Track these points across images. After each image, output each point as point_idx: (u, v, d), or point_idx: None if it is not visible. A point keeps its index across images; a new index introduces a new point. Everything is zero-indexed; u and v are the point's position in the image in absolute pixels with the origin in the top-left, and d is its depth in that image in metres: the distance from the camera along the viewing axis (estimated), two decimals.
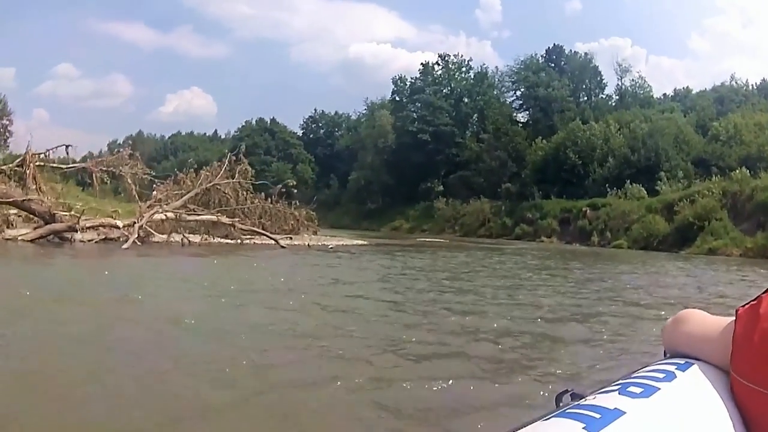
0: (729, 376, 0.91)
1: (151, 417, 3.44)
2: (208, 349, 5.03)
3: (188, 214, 19.07)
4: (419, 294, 9.72)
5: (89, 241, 15.99)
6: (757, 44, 79.39)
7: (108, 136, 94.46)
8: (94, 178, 19.68)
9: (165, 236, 17.76)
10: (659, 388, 0.85)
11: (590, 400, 0.82)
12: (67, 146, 19.79)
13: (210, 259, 14.92)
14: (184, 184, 21.06)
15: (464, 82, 64.27)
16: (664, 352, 1.11)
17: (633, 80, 59.58)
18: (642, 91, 58.98)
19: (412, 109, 63.24)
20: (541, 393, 4.04)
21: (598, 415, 0.75)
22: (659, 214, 34.36)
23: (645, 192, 38.78)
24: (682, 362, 0.97)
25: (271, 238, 19.75)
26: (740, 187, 31.70)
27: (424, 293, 9.76)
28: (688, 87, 61.20)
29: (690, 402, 0.86)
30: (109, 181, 20.69)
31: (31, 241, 15.25)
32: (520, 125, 58.17)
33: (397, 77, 66.24)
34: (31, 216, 16.56)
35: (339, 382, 4.22)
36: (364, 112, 74.34)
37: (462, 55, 66.38)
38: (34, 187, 17.20)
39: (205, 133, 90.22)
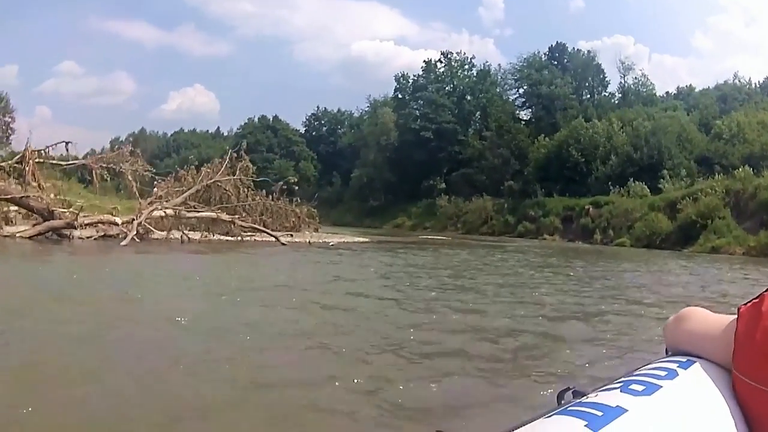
0: (731, 374, 0.90)
1: (151, 416, 3.44)
2: (207, 348, 5.03)
3: (188, 211, 19.05)
4: (420, 292, 9.69)
5: (88, 238, 15.98)
6: (760, 43, 79.22)
7: (111, 134, 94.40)
8: (94, 175, 19.68)
9: (164, 233, 17.74)
10: (661, 386, 0.84)
11: (592, 398, 0.82)
12: (66, 143, 19.88)
13: (209, 257, 14.93)
14: (185, 181, 21.08)
15: (467, 79, 64.20)
16: (666, 350, 1.11)
17: (636, 78, 59.65)
18: (645, 89, 58.92)
19: (415, 107, 63.20)
20: (542, 393, 4.03)
21: (600, 413, 0.75)
22: (662, 213, 34.30)
23: (648, 190, 38.72)
24: (684, 360, 0.97)
25: (271, 236, 19.74)
26: (743, 186, 31.63)
27: (426, 291, 9.74)
28: (691, 85, 61.23)
29: (692, 400, 0.85)
30: (109, 179, 20.65)
31: (30, 238, 15.23)
32: (523, 123, 58.16)
33: (400, 75, 66.34)
34: (32, 213, 16.54)
35: (339, 382, 4.21)
36: (366, 109, 74.56)
37: (464, 53, 66.39)
38: (33, 184, 17.18)
39: (207, 131, 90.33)
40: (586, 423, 0.73)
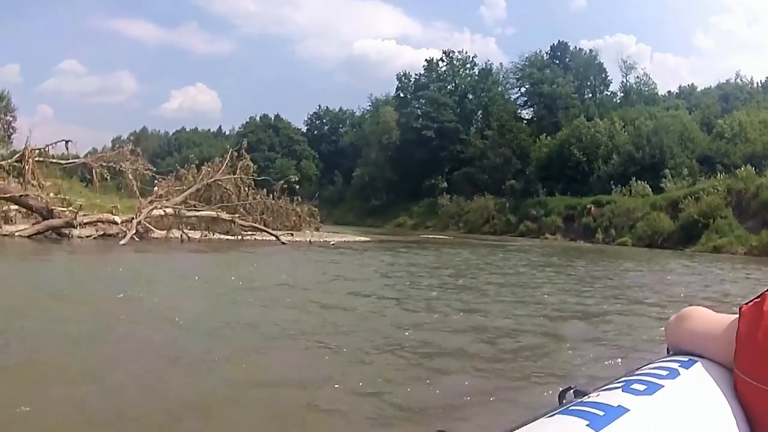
0: (732, 374, 0.90)
1: (150, 416, 3.44)
2: (207, 348, 5.01)
3: (188, 210, 19.02)
4: (421, 291, 9.68)
5: (87, 237, 15.91)
6: (762, 42, 79.05)
7: (113, 133, 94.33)
8: (94, 174, 19.60)
9: (164, 232, 17.68)
10: (663, 386, 0.84)
11: (593, 398, 0.82)
12: (66, 142, 19.81)
13: (209, 256, 14.90)
14: (186, 180, 21.06)
15: (468, 78, 64.16)
16: (668, 349, 1.11)
17: (638, 77, 59.59)
18: (647, 89, 58.84)
19: (417, 106, 63.18)
20: (543, 393, 4.02)
21: (601, 413, 0.75)
22: (664, 212, 34.28)
23: (650, 189, 38.68)
24: (686, 360, 0.97)
25: (272, 235, 19.72)
26: (745, 185, 31.60)
27: (427, 291, 9.72)
28: (693, 84, 61.27)
29: (693, 399, 0.85)
30: (108, 177, 20.57)
31: (29, 237, 15.16)
32: (525, 122, 58.13)
33: (402, 74, 66.32)
34: (31, 212, 16.49)
35: (339, 381, 4.21)
36: (368, 108, 74.53)
37: (466, 52, 66.35)
38: (33, 182, 17.12)
39: (209, 130, 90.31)
40: (588, 423, 0.72)
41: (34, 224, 15.82)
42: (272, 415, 3.65)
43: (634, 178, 40.19)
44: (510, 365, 5.03)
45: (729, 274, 16.00)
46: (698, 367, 0.94)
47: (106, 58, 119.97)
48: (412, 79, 65.12)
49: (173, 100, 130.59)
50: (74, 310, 6.25)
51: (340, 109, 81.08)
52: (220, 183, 21.07)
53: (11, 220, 16.30)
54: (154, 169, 22.55)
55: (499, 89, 63.23)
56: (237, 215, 20.08)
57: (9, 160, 18.08)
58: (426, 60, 65.61)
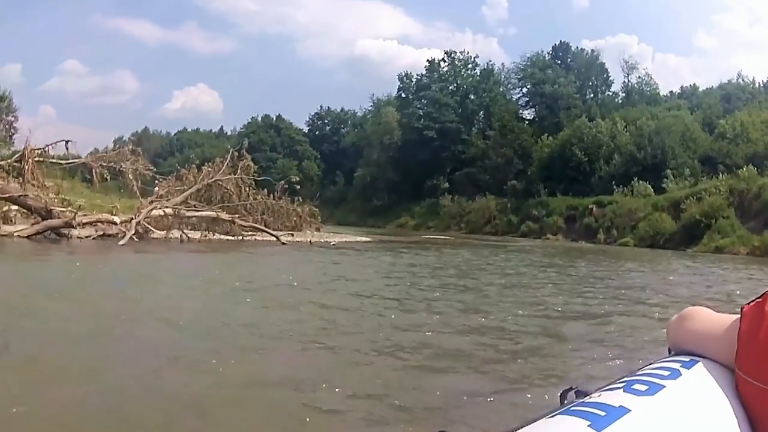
0: (734, 374, 0.90)
1: (150, 416, 3.43)
2: (206, 348, 5.00)
3: (187, 210, 18.98)
4: (422, 292, 9.64)
5: (86, 237, 15.86)
6: (764, 42, 78.80)
7: (114, 133, 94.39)
8: (94, 174, 19.55)
9: (164, 233, 17.63)
10: (664, 386, 0.84)
11: (595, 398, 0.82)
12: (66, 141, 19.73)
13: (208, 256, 14.87)
14: (186, 180, 21.03)
15: (470, 78, 64.17)
16: (669, 349, 1.10)
17: (639, 77, 59.63)
18: (648, 89, 58.85)
19: (418, 106, 63.22)
20: (545, 394, 4.02)
21: (603, 413, 0.75)
22: (666, 212, 34.26)
23: (651, 189, 38.65)
24: (687, 360, 0.97)
25: (272, 235, 19.69)
26: (747, 185, 31.55)
27: (428, 291, 9.71)
28: (694, 84, 61.28)
29: (695, 400, 0.85)
30: (108, 178, 20.51)
31: (28, 237, 15.08)
32: (526, 122, 58.14)
33: (403, 74, 66.37)
34: (31, 212, 16.42)
35: (339, 382, 4.20)
36: (370, 108, 74.57)
37: (468, 52, 66.34)
38: (33, 182, 17.07)
39: (211, 130, 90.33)
40: (589, 423, 0.72)
41: (33, 224, 15.74)
42: (272, 416, 3.65)
43: (635, 179, 40.15)
44: (511, 366, 5.02)
45: (731, 274, 15.97)
46: (700, 367, 0.94)
47: (107, 58, 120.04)
48: (414, 80, 65.21)
49: (175, 100, 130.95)
50: (72, 310, 6.25)
51: (342, 110, 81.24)
52: (220, 183, 21.06)
53: (11, 221, 16.23)
54: (155, 169, 22.50)
55: (501, 89, 63.27)
56: (237, 215, 20.05)
57: (8, 161, 17.99)
58: (427, 60, 65.74)
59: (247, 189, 21.95)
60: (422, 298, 8.78)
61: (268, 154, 67.78)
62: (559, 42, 63.06)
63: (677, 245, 30.52)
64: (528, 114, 61.38)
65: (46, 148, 18.86)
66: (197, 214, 19.18)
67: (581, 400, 0.83)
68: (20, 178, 17.17)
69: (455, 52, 65.47)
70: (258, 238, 19.83)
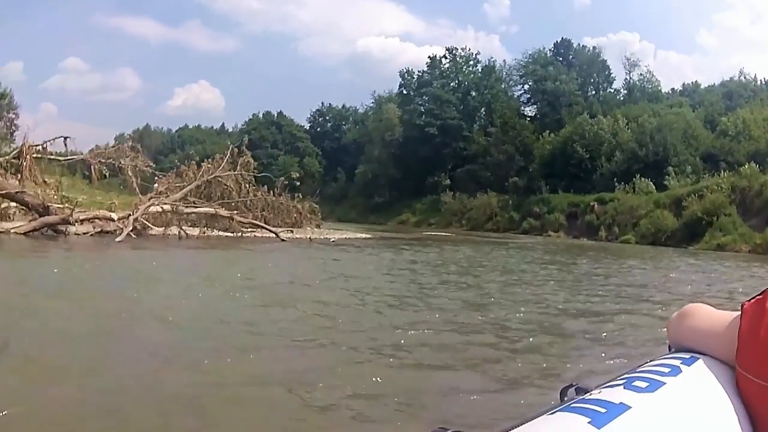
0: (734, 371, 0.90)
1: (150, 416, 3.43)
2: (206, 347, 4.99)
3: (186, 207, 18.90)
4: (422, 289, 9.63)
5: (84, 234, 15.76)
6: (765, 40, 78.98)
7: (116, 130, 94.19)
8: (93, 171, 19.42)
9: (162, 229, 17.54)
10: (664, 383, 0.84)
11: (595, 395, 0.82)
12: (65, 138, 19.61)
13: (207, 253, 14.81)
14: (186, 176, 20.95)
15: (472, 75, 64.09)
16: (669, 346, 1.10)
17: (641, 75, 59.57)
18: (650, 86, 58.75)
19: (420, 103, 63.18)
20: (545, 390, 4.02)
21: (603, 410, 0.75)
22: (667, 209, 34.23)
23: (653, 187, 38.61)
24: (688, 357, 0.97)
25: (271, 232, 19.65)
26: (749, 183, 31.52)
27: (428, 289, 9.69)
28: (696, 82, 61.22)
29: (695, 397, 0.85)
30: (108, 174, 20.41)
31: (25, 234, 14.95)
32: (528, 119, 58.11)
33: (405, 71, 66.27)
34: (29, 209, 16.31)
35: (338, 380, 4.20)
36: (371, 105, 74.42)
37: (469, 49, 66.25)
38: (30, 179, 16.99)
39: (212, 127, 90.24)
40: (590, 420, 0.72)
41: (30, 221, 15.62)
42: (271, 415, 3.65)
43: (637, 176, 40.14)
44: (511, 364, 5.01)
45: (733, 272, 15.97)
46: (700, 364, 0.94)
47: (109, 55, 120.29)
48: (415, 77, 65.13)
49: (177, 97, 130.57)
50: (71, 309, 6.23)
51: (343, 106, 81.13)
52: (220, 180, 20.99)
53: (10, 218, 16.12)
54: (154, 165, 22.38)
55: (503, 86, 63.19)
56: (237, 212, 19.98)
57: (6, 157, 17.85)
58: (429, 57, 65.69)
59: (247, 185, 21.88)
60: (422, 296, 8.76)
61: (270, 150, 67.76)
62: (561, 39, 63.06)
63: (679, 242, 30.50)
64: (529, 111, 61.43)
65: (45, 145, 18.73)
66: (196, 210, 19.13)
67: (581, 397, 0.83)
68: (19, 175, 17.08)
69: (457, 49, 65.49)
70: (257, 234, 19.78)
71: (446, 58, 64.71)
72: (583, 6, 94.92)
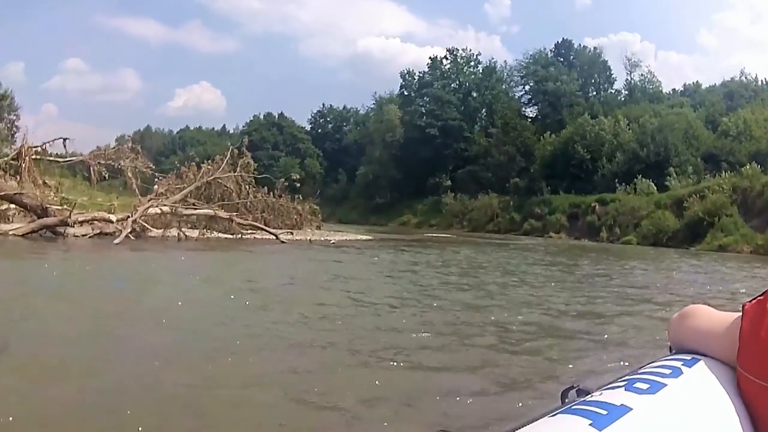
0: (736, 372, 0.90)
1: (149, 417, 3.41)
2: (205, 348, 4.99)
3: (185, 208, 18.84)
4: (423, 291, 9.61)
5: (83, 235, 15.71)
6: (766, 40, 78.94)
7: (117, 131, 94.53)
8: (92, 172, 19.31)
9: (161, 231, 17.48)
10: (666, 384, 0.84)
11: (596, 396, 0.81)
12: (64, 139, 19.53)
13: (206, 255, 14.77)
14: (186, 178, 20.90)
15: (473, 76, 64.12)
16: (670, 347, 1.10)
17: (642, 75, 59.58)
18: (651, 86, 58.78)
19: (421, 104, 63.21)
20: (546, 392, 4.01)
21: (604, 412, 0.74)
22: (669, 210, 34.23)
23: (654, 187, 38.60)
24: (689, 358, 0.96)
25: (271, 233, 19.61)
26: (750, 183, 31.50)
27: (429, 290, 9.68)
28: (697, 82, 61.24)
29: (697, 398, 0.85)
30: (107, 176, 20.34)
31: (23, 235, 14.89)
32: (529, 120, 58.14)
33: (406, 71, 66.29)
34: (27, 211, 16.24)
35: (337, 382, 4.20)
36: (372, 106, 74.40)
37: (470, 50, 66.30)
38: (32, 180, 16.96)
39: (213, 128, 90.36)
40: (591, 422, 0.72)
41: (28, 223, 15.56)
42: (270, 416, 3.64)
43: (638, 176, 40.11)
44: (513, 365, 5.01)
45: (735, 273, 15.95)
46: (701, 365, 0.93)
47: (109, 56, 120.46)
48: (416, 77, 65.18)
49: (177, 98, 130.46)
50: (70, 310, 6.22)
51: (344, 108, 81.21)
52: (220, 181, 20.94)
53: (8, 219, 16.05)
54: (154, 167, 22.31)
55: (503, 87, 63.22)
56: (237, 213, 19.91)
57: (5, 158, 17.79)
58: (430, 58, 65.73)
59: (247, 187, 21.82)
60: (423, 297, 8.73)
61: (271, 152, 67.83)
62: (562, 39, 63.04)
63: (680, 243, 30.47)
64: (530, 112, 61.49)
65: (44, 146, 18.67)
66: (195, 212, 19.07)
67: (583, 399, 0.83)
68: (18, 177, 17.02)
69: (458, 50, 65.54)
70: (257, 236, 19.72)
71: (447, 58, 64.82)
72: (584, 6, 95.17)
